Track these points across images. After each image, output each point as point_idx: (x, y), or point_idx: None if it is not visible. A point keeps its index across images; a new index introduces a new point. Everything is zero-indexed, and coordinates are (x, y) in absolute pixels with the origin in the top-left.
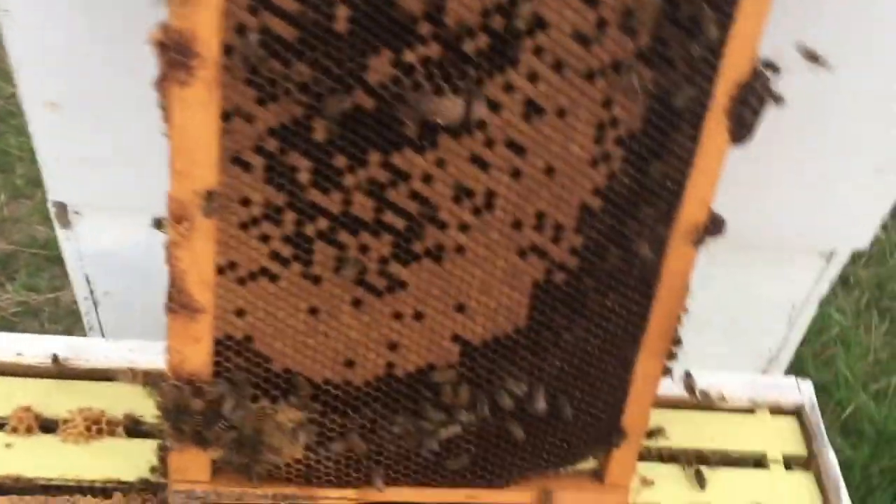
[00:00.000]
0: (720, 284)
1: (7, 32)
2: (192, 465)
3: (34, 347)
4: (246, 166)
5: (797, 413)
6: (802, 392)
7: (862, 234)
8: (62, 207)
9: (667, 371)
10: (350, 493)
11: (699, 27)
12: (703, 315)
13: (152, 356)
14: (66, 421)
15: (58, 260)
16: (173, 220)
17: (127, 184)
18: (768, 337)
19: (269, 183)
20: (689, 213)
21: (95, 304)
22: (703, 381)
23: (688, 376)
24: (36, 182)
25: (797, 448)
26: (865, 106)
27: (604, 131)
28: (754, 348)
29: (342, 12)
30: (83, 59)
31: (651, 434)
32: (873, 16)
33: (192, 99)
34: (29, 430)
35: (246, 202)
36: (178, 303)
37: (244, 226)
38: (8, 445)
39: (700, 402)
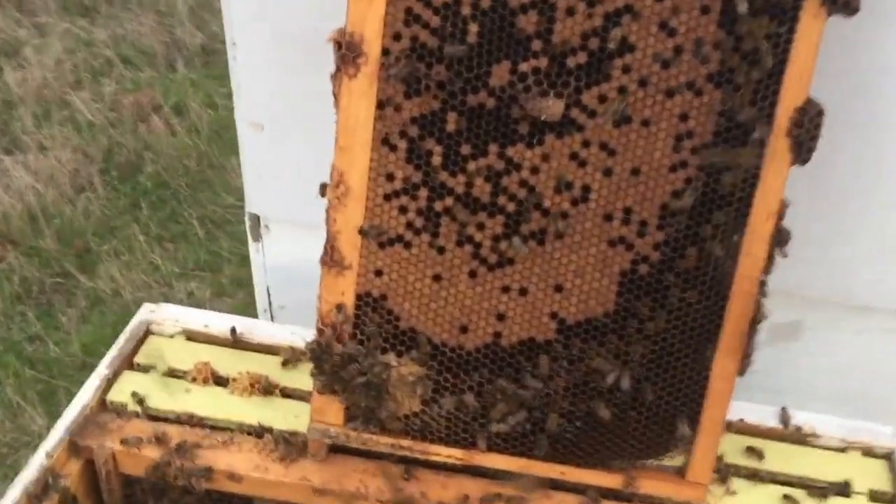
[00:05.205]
0: (845, 352)
1: (233, 63)
2: (329, 410)
3: (220, 322)
4: (392, 147)
5: (888, 457)
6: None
7: None
8: (256, 220)
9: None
10: (457, 452)
11: (758, 57)
12: (831, 385)
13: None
14: (234, 379)
15: None
16: (333, 185)
17: (312, 201)
18: None
19: (409, 162)
20: (757, 223)
21: (272, 316)
22: (798, 418)
23: (784, 410)
24: (239, 282)
25: (884, 485)
26: None
27: (681, 141)
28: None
29: (473, 28)
30: (287, 88)
31: (749, 451)
32: None
33: (357, 89)
34: (205, 381)
35: (390, 177)
36: (331, 259)
37: (387, 197)
38: (187, 390)
39: (792, 434)
